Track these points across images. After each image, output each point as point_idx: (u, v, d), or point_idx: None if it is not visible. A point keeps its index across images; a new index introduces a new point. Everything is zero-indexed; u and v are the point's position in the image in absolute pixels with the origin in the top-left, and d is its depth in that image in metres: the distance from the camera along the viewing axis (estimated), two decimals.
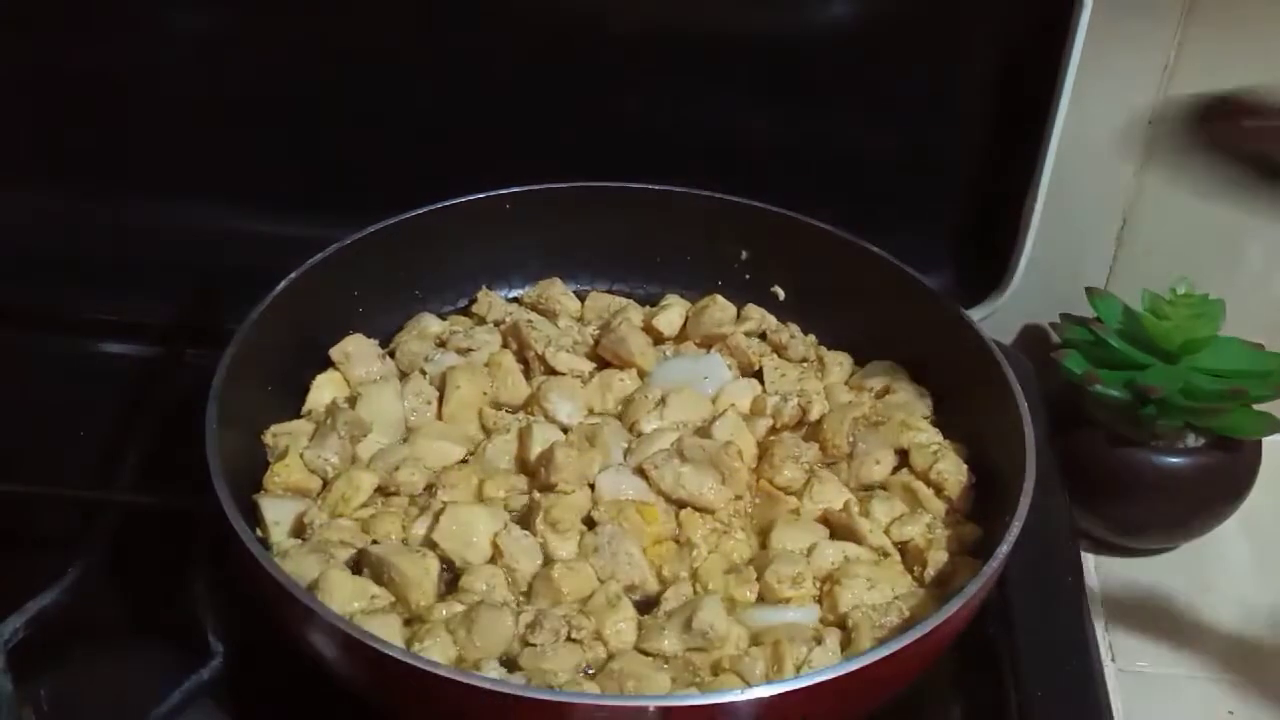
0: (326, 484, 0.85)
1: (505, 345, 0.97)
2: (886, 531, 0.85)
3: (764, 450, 0.90)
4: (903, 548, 0.84)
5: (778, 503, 0.87)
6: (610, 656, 0.75)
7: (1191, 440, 0.99)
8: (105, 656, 0.82)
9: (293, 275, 0.91)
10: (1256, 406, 0.97)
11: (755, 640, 0.77)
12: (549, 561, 0.80)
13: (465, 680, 0.67)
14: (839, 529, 0.85)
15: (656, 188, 1.02)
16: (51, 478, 0.93)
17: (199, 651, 0.80)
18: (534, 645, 0.74)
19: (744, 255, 1.03)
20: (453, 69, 1.05)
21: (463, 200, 0.99)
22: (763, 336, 1.00)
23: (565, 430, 0.90)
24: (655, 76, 1.04)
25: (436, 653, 0.73)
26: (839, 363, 0.99)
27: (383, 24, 1.04)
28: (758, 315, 1.01)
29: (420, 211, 0.98)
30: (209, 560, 0.83)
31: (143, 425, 0.96)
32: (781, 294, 1.03)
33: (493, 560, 0.81)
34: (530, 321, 0.98)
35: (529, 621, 0.75)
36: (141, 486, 0.91)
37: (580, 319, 1.02)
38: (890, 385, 0.95)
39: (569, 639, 0.75)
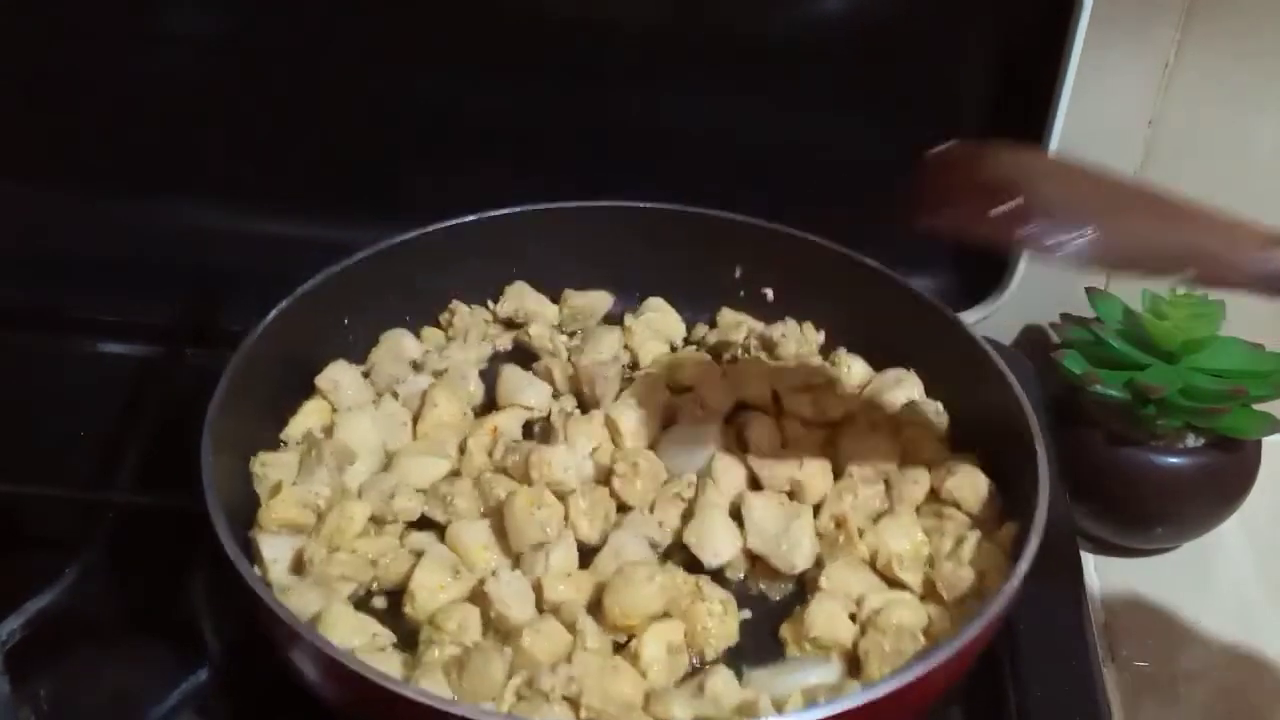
0: (320, 517, 0.84)
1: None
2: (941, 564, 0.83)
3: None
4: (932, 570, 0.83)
5: (849, 545, 0.84)
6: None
7: (1191, 440, 0.98)
8: (103, 657, 0.82)
9: (283, 304, 0.90)
10: (1256, 406, 0.97)
11: (777, 705, 0.74)
12: (516, 629, 0.76)
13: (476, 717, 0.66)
14: (886, 572, 0.84)
15: (649, 206, 1.01)
16: (51, 478, 0.92)
17: (196, 652, 0.80)
18: (525, 699, 0.73)
19: (738, 272, 1.03)
20: (453, 71, 1.05)
21: (454, 223, 0.98)
22: (746, 350, 0.99)
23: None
24: (653, 78, 1.04)
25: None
26: (855, 366, 0.97)
27: (383, 25, 1.04)
28: (731, 319, 1.01)
29: (412, 235, 0.97)
30: (207, 562, 0.83)
31: (142, 425, 0.95)
32: (771, 294, 1.03)
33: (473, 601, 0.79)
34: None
35: (524, 681, 0.74)
36: (140, 487, 0.91)
37: (559, 326, 1.02)
38: (903, 410, 0.94)
39: (564, 699, 0.73)
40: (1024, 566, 0.74)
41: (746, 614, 0.82)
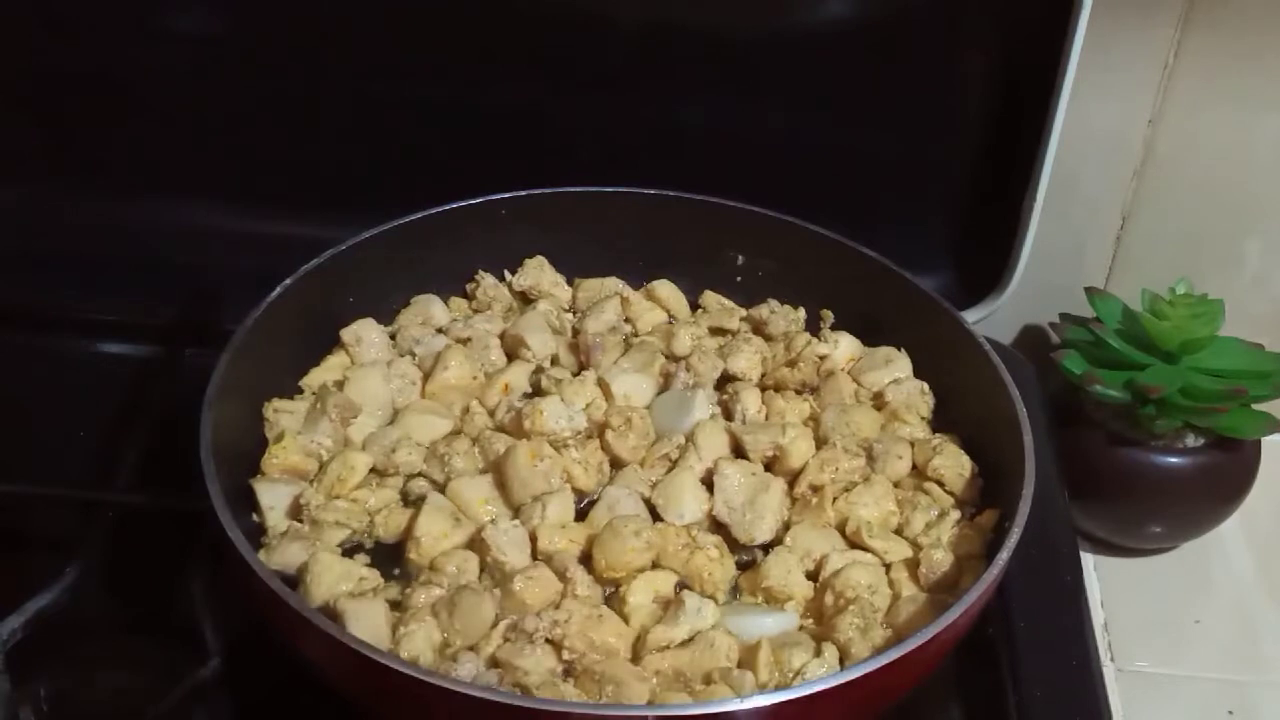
0: (322, 466, 0.86)
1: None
2: (915, 540, 0.84)
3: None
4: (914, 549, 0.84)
5: (818, 510, 0.85)
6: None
7: (1191, 440, 0.99)
8: (104, 657, 0.82)
9: (287, 281, 0.91)
10: (1256, 406, 0.97)
11: (744, 650, 0.76)
12: (510, 575, 0.78)
13: (446, 685, 0.66)
14: (855, 539, 0.85)
15: (652, 192, 1.02)
16: (51, 478, 0.93)
17: (197, 652, 0.80)
18: (511, 641, 0.75)
19: (740, 260, 1.03)
20: (452, 69, 1.05)
21: (456, 206, 0.99)
22: (733, 333, 0.99)
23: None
24: (653, 77, 1.04)
25: (421, 638, 0.74)
26: (843, 342, 0.98)
27: (383, 25, 1.04)
28: (714, 302, 1.02)
29: (415, 217, 0.98)
30: (207, 561, 0.83)
31: (142, 425, 0.96)
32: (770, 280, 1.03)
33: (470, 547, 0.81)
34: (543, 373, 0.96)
35: (510, 624, 0.75)
36: (140, 486, 0.91)
37: (570, 309, 1.03)
38: (888, 387, 0.95)
39: (548, 641, 0.75)
40: (1005, 555, 0.74)
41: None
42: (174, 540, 0.85)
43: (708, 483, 0.86)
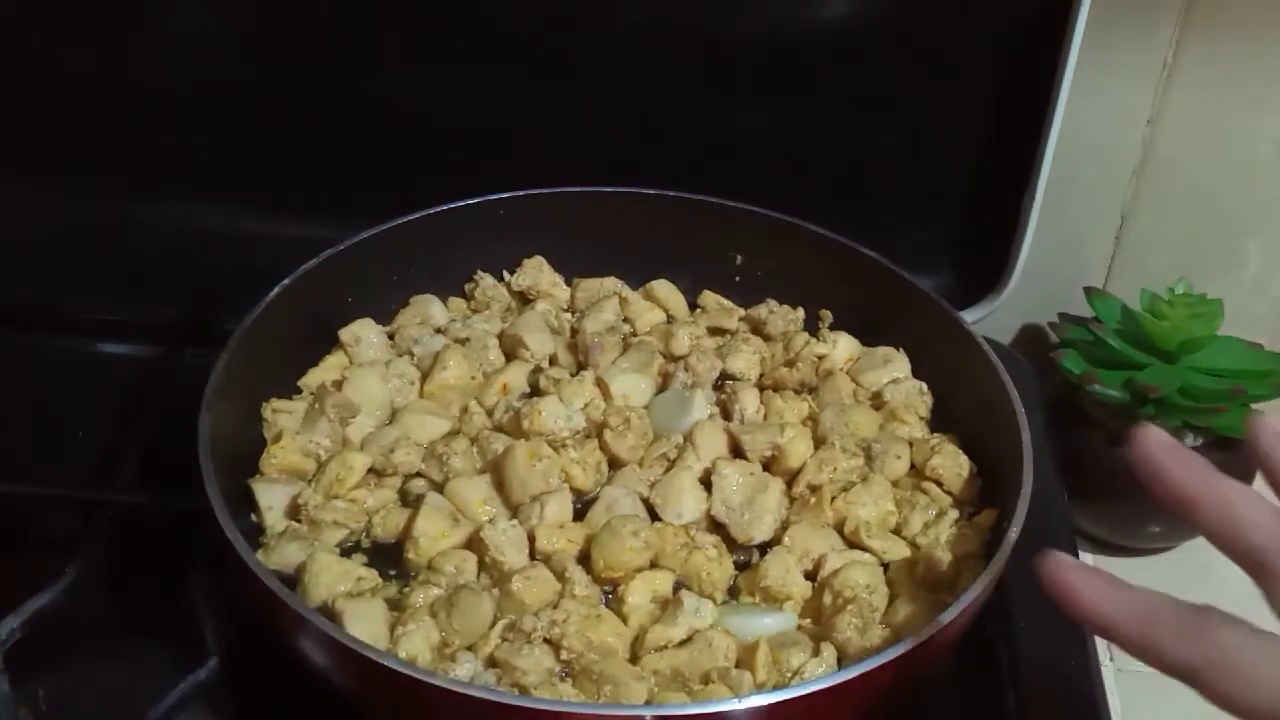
0: (320, 466, 0.86)
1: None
2: (914, 540, 0.84)
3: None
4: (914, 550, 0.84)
5: (817, 509, 0.85)
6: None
7: (1191, 440, 0.98)
8: (103, 657, 0.82)
9: (285, 282, 0.91)
10: (1255, 406, 0.97)
11: (743, 649, 0.76)
12: (508, 575, 0.78)
13: (445, 685, 0.66)
14: (853, 539, 0.85)
15: (650, 192, 1.02)
16: (51, 478, 0.93)
17: (196, 652, 0.80)
18: (509, 640, 0.75)
19: (739, 260, 1.03)
20: (452, 69, 1.05)
21: (454, 206, 0.99)
22: (732, 333, 1.00)
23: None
24: (654, 76, 1.04)
25: (419, 637, 0.74)
26: (842, 342, 0.98)
27: (382, 24, 1.04)
28: (713, 302, 1.02)
29: (414, 217, 0.98)
30: (207, 561, 0.83)
31: (142, 425, 0.96)
32: (769, 280, 1.02)
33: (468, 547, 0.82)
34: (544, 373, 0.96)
35: (508, 624, 0.76)
36: (140, 486, 0.91)
37: (569, 309, 1.03)
38: (887, 387, 0.95)
39: (546, 641, 0.75)
40: (1004, 555, 0.74)
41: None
42: (174, 540, 0.85)
43: (706, 482, 0.86)
